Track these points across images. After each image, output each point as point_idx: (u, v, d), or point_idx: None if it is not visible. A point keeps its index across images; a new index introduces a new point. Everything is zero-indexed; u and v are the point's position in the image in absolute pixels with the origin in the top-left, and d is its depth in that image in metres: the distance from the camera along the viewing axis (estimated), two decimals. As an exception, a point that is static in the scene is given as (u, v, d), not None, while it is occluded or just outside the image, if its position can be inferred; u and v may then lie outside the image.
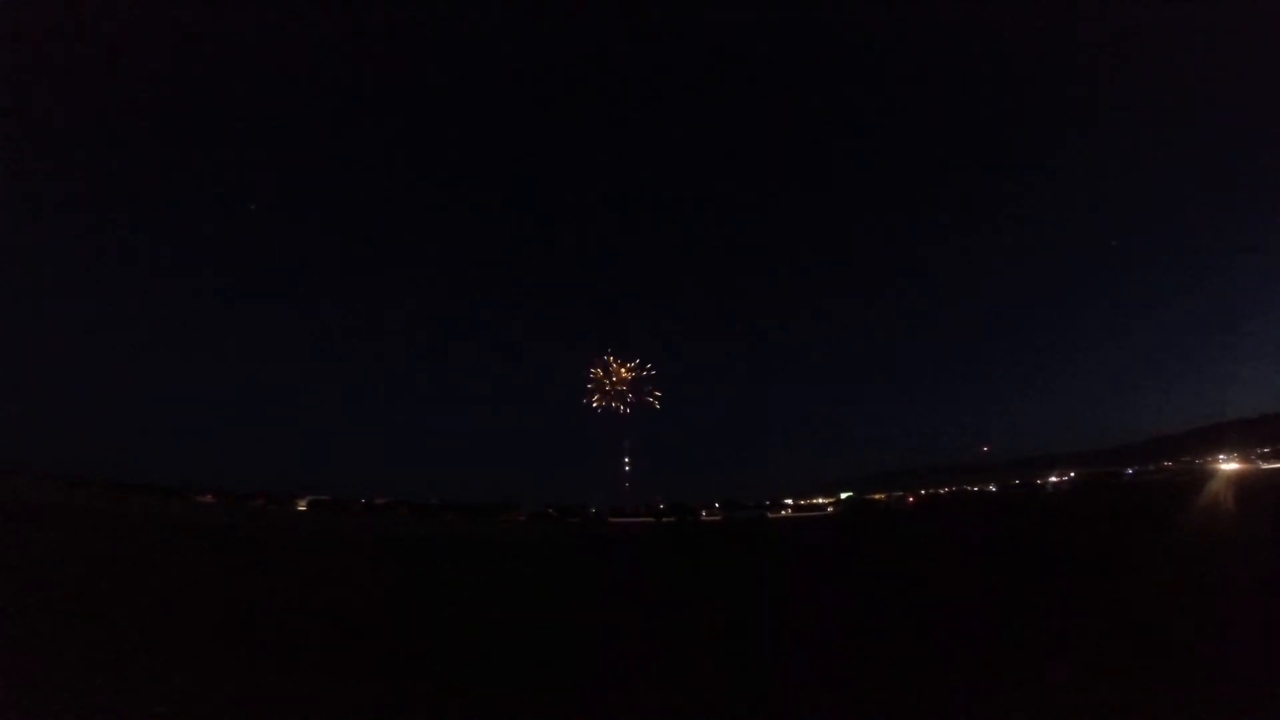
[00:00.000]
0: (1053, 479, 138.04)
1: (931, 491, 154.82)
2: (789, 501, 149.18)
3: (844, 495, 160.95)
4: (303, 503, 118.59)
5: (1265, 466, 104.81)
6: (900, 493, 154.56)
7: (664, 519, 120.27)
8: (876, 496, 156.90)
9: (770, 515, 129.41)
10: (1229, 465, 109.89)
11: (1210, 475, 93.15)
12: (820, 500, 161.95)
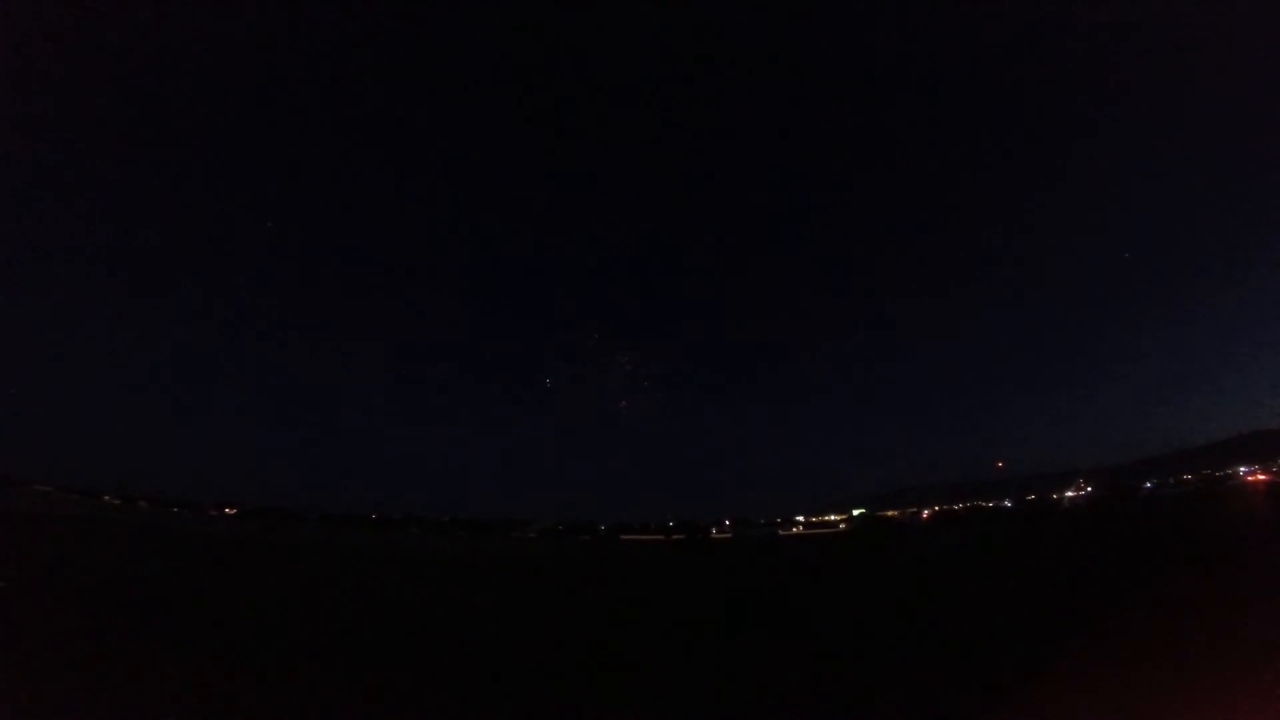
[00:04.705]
0: (1069, 494, 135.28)
1: (945, 508, 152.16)
2: (800, 519, 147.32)
3: (856, 512, 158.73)
4: (313, 518, 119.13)
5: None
6: (914, 509, 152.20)
7: (673, 536, 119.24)
8: (890, 513, 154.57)
9: (781, 533, 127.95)
10: (1252, 477, 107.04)
11: (1232, 488, 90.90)
12: (833, 517, 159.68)
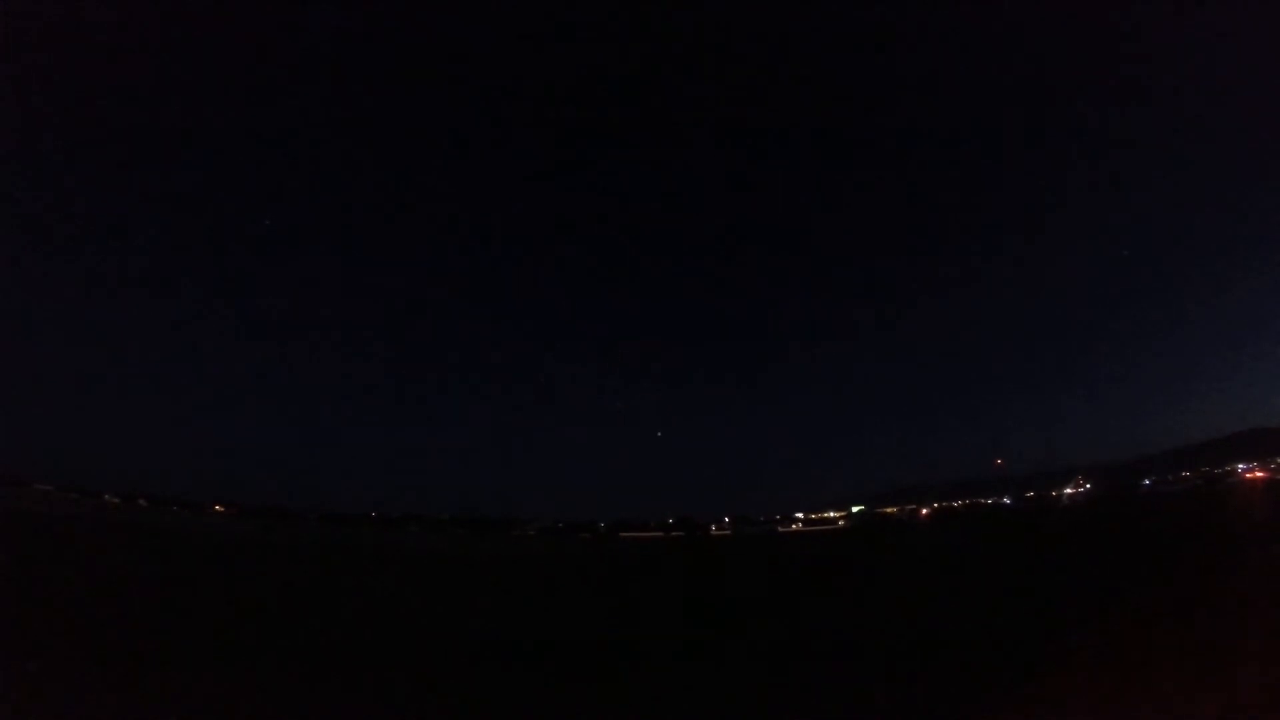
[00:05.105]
0: (1068, 490, 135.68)
1: (944, 505, 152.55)
2: (799, 516, 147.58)
3: (855, 509, 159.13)
4: (313, 518, 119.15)
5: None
6: (913, 506, 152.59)
7: (673, 534, 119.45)
8: (888, 510, 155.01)
9: (781, 530, 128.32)
10: (1250, 475, 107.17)
11: (1230, 485, 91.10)
12: (832, 514, 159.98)
